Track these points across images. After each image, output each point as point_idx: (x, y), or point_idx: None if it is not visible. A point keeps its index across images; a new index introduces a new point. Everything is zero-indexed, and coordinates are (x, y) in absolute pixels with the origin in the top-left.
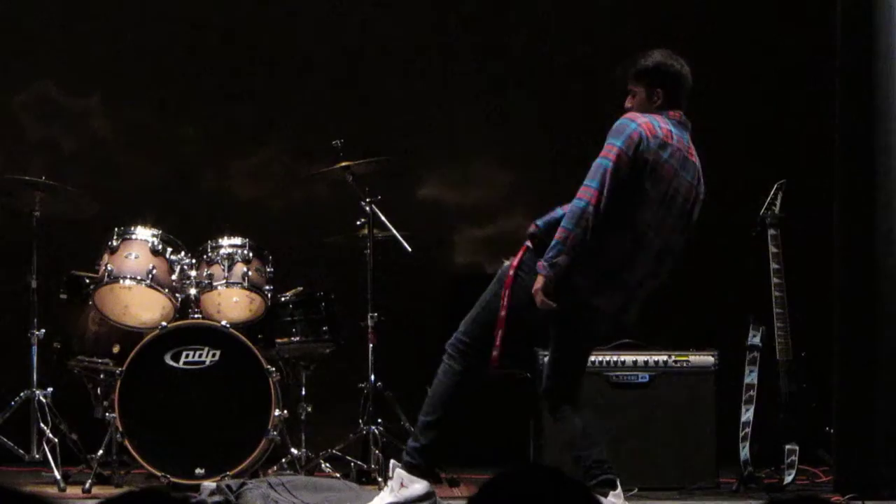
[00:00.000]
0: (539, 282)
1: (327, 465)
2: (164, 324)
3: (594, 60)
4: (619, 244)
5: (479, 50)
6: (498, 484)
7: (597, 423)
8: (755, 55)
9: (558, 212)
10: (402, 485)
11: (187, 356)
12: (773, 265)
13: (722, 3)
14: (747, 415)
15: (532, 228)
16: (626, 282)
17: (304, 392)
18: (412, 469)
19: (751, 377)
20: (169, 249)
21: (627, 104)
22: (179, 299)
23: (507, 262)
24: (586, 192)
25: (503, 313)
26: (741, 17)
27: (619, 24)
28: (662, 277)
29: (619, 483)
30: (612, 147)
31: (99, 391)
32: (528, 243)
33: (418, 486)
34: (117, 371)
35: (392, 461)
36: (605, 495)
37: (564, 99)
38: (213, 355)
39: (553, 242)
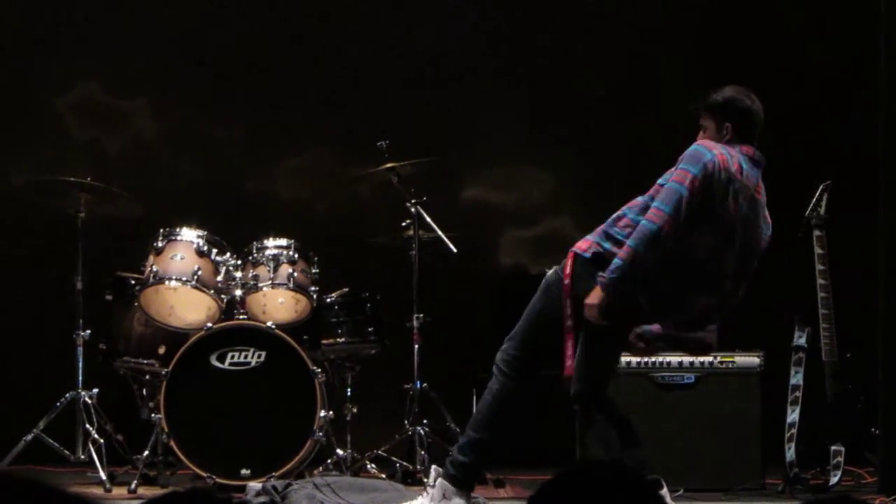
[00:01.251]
0: (596, 296)
1: (373, 465)
2: (209, 325)
3: (635, 66)
4: (682, 270)
5: (525, 51)
6: (559, 483)
7: (631, 424)
8: (800, 55)
9: (611, 227)
10: (444, 496)
11: (233, 357)
12: (819, 266)
13: (764, 5)
14: (793, 416)
15: (592, 247)
16: (684, 305)
17: (349, 393)
18: (455, 482)
19: (796, 378)
20: (214, 251)
21: (699, 140)
22: (225, 300)
23: (551, 272)
24: (660, 215)
25: (570, 323)
26: (785, 18)
27: (659, 31)
28: (719, 306)
29: (664, 483)
30: (687, 174)
31: (144, 392)
32: (578, 250)
33: (458, 502)
34: (163, 372)
35: (434, 467)
36: None
37: (606, 101)
38: (259, 356)
39: (619, 260)
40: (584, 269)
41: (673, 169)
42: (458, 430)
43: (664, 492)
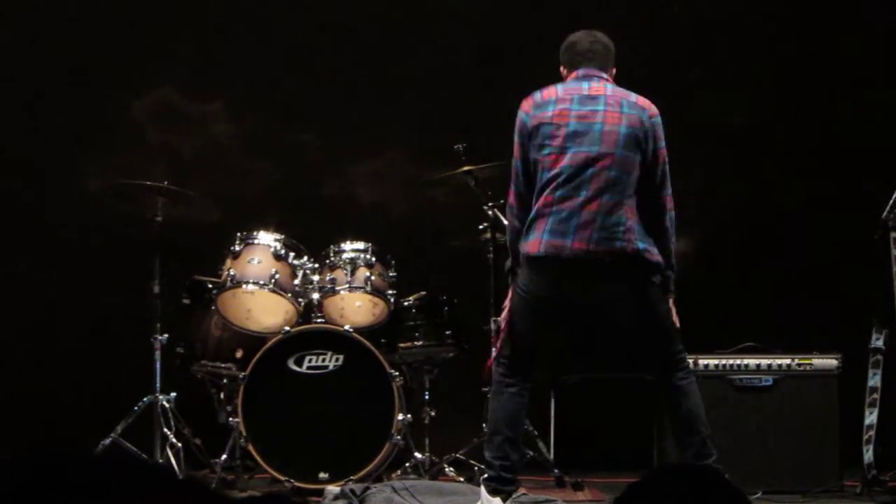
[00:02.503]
0: (672, 303)
1: (451, 469)
2: (287, 328)
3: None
4: None
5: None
6: (645, 485)
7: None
8: (878, 57)
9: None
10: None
11: (310, 361)
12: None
13: (835, 6)
14: (871, 418)
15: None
16: None
17: (427, 396)
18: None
19: (874, 380)
20: (291, 254)
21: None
22: (302, 304)
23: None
24: (671, 200)
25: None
26: (864, 17)
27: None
28: None
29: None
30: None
31: (222, 396)
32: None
33: None
34: (240, 376)
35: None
36: None
37: (678, 99)
38: (337, 360)
39: (670, 264)
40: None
41: None
42: (536, 432)
43: None
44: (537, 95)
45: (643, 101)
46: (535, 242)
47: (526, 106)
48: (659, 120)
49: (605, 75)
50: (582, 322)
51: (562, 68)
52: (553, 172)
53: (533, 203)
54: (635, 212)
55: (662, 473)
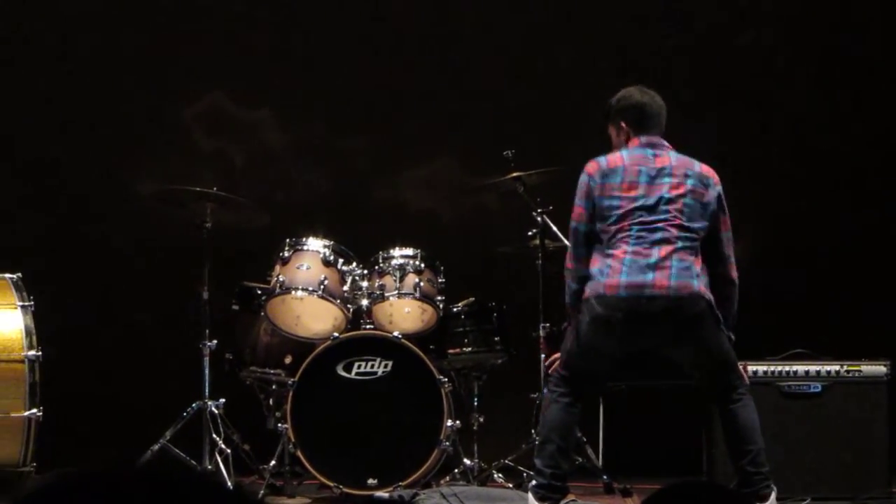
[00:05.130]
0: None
1: (500, 475)
2: (335, 334)
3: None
4: None
5: (651, 58)
6: (663, 497)
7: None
8: None
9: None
10: None
11: (359, 367)
12: None
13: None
14: None
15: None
16: None
17: (476, 402)
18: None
19: None
20: (340, 260)
21: None
22: (351, 310)
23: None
24: (735, 268)
25: None
26: None
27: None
28: None
29: (774, 487)
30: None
31: (271, 402)
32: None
33: None
34: (289, 382)
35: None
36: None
37: (730, 107)
38: (385, 366)
39: (729, 326)
40: None
41: None
42: (584, 439)
43: (772, 499)
44: (603, 162)
45: (706, 170)
46: (613, 283)
47: (591, 170)
48: (721, 189)
49: (665, 143)
50: (646, 361)
51: (622, 123)
52: (622, 235)
53: (600, 256)
54: (704, 270)
55: (681, 486)
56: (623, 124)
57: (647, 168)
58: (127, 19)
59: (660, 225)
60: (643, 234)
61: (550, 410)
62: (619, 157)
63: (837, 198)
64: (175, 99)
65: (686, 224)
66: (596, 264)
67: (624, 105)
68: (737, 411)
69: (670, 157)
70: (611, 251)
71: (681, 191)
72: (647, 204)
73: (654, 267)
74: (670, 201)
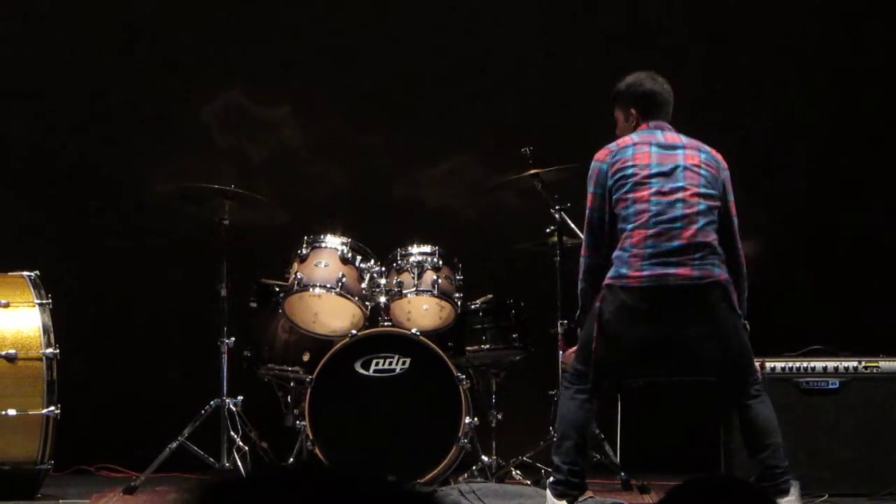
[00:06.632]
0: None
1: (518, 472)
2: (354, 332)
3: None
4: None
5: (667, 56)
6: (684, 492)
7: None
8: None
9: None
10: None
11: (377, 364)
12: None
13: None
14: None
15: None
16: None
17: (494, 399)
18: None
19: None
20: (358, 258)
21: None
22: (369, 307)
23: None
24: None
25: None
26: None
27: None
28: None
29: (795, 484)
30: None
31: (289, 399)
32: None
33: None
34: (307, 379)
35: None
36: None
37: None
38: (404, 363)
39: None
40: None
41: None
42: (602, 435)
43: (794, 494)
44: (612, 145)
45: (715, 152)
46: (636, 274)
47: (601, 156)
48: (729, 174)
49: (672, 128)
50: (669, 352)
51: (631, 110)
52: (640, 207)
53: (619, 241)
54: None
55: (700, 481)
56: (633, 111)
57: (658, 141)
58: (145, 17)
59: (679, 196)
60: (663, 209)
61: (567, 407)
62: (629, 138)
63: (855, 192)
64: (192, 96)
65: (705, 192)
66: (616, 251)
67: (635, 92)
68: (755, 407)
69: (680, 137)
70: (630, 235)
71: (696, 161)
72: (663, 171)
73: (677, 253)
74: (686, 169)
